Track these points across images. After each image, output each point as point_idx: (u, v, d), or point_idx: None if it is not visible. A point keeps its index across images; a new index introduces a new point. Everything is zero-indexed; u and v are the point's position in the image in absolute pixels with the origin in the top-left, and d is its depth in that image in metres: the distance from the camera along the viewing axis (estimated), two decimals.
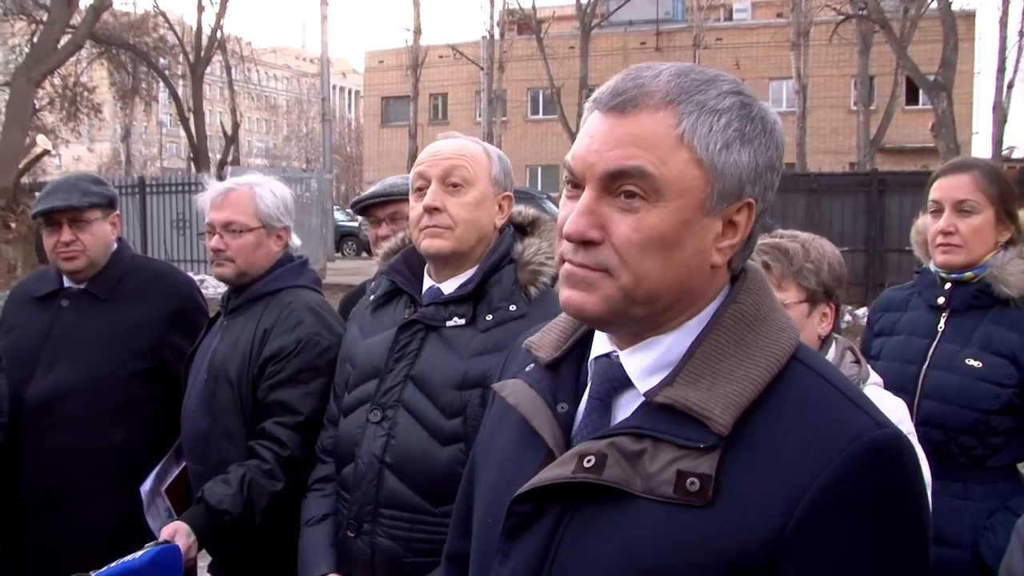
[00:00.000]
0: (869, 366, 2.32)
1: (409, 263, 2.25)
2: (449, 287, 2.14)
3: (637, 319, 1.13)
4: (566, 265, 1.13)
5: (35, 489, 2.84)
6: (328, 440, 2.31)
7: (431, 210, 2.07)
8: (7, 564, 2.96)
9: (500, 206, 2.18)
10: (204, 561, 2.79)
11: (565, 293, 1.13)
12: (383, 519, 2.07)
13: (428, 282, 2.19)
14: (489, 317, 2.08)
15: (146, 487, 2.75)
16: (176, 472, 2.83)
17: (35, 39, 24.65)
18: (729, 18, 41.92)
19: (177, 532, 2.33)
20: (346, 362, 2.29)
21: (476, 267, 2.13)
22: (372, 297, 2.32)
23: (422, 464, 2.04)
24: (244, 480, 2.41)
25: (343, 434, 2.21)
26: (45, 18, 24.06)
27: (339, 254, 29.08)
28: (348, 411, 2.21)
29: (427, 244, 2.10)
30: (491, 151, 2.19)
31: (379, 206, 2.99)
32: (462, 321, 2.09)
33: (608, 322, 1.15)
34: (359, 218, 3.15)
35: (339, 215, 30.58)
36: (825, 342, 2.27)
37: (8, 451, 2.78)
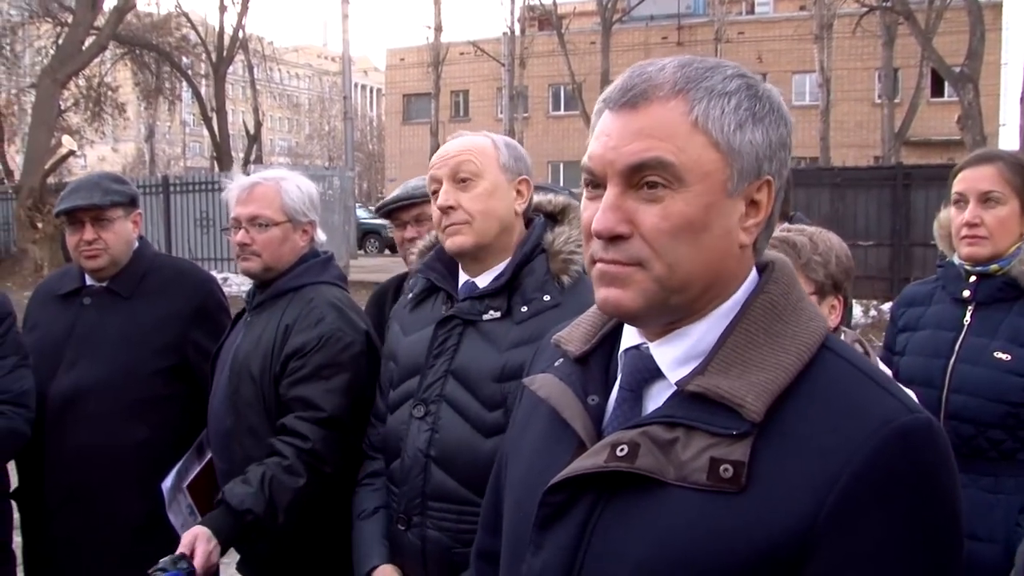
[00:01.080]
0: (879, 359, 2.31)
1: (443, 259, 2.26)
2: (483, 281, 2.15)
3: (674, 309, 1.14)
4: (598, 265, 1.14)
5: (58, 486, 2.85)
6: (376, 436, 2.33)
7: (446, 209, 2.10)
8: (31, 560, 2.99)
9: (518, 191, 2.18)
10: (230, 558, 2.79)
11: (602, 292, 1.14)
12: (431, 511, 2.10)
13: (463, 277, 2.20)
14: (524, 308, 2.09)
15: (167, 484, 2.76)
16: (198, 468, 2.84)
17: (60, 41, 24.95)
18: (751, 12, 41.66)
19: (198, 538, 2.26)
20: (389, 360, 2.31)
21: (508, 259, 2.14)
22: (410, 295, 2.34)
23: (466, 456, 2.06)
24: (265, 478, 2.38)
25: (389, 430, 2.24)
26: (70, 20, 24.33)
27: (362, 251, 29.22)
28: (393, 407, 2.23)
29: (450, 243, 2.12)
30: (497, 140, 2.20)
31: (403, 209, 2.99)
32: (498, 314, 2.10)
33: (646, 316, 1.15)
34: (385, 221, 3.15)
35: (361, 212, 30.71)
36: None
37: (31, 448, 2.79)
